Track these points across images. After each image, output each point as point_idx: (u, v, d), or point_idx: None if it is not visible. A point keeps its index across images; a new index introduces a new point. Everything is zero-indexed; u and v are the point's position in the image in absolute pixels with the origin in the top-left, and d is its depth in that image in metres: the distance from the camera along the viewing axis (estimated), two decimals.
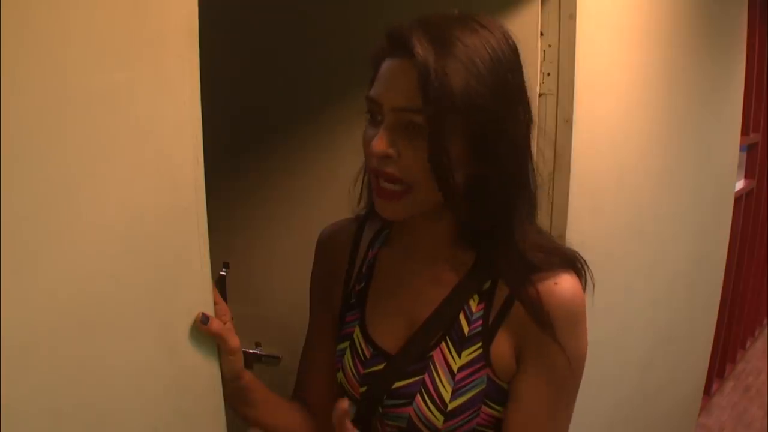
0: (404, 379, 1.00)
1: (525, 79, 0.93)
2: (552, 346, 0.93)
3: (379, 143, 0.88)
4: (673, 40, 2.02)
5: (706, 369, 3.08)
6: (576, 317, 0.96)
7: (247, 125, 1.77)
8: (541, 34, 1.40)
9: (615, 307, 1.87)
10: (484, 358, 0.96)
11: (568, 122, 1.40)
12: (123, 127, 0.72)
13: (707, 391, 3.61)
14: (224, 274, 1.85)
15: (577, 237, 1.48)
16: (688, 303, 2.56)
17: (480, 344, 0.96)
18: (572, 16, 1.38)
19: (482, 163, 0.90)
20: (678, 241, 2.32)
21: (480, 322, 0.97)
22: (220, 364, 0.91)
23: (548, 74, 1.40)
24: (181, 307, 0.83)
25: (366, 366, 1.04)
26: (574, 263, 0.98)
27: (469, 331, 0.97)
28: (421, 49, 0.83)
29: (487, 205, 0.93)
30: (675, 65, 2.06)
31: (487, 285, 0.98)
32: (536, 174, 0.99)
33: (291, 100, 1.69)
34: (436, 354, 0.98)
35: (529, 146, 0.96)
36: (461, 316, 0.98)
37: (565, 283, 0.94)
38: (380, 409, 1.01)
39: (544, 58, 1.40)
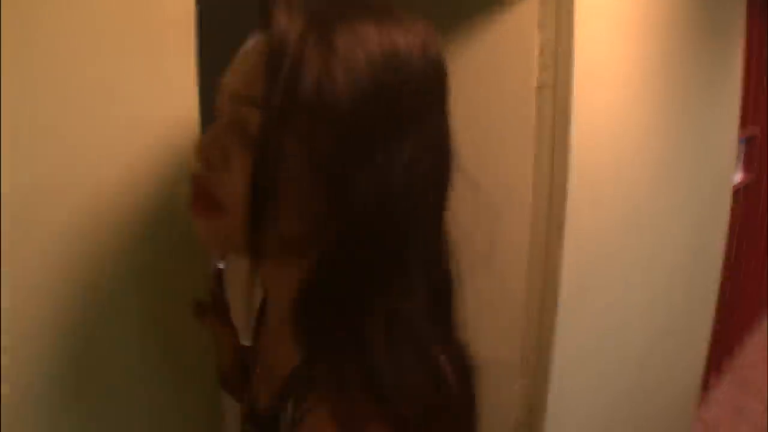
0: None
1: (446, 113, 0.65)
2: None
3: (200, 144, 0.65)
4: (672, 32, 2.02)
5: (704, 363, 3.08)
6: None
7: None
8: (539, 26, 1.39)
9: (613, 301, 1.87)
10: None
11: (566, 115, 1.40)
12: (119, 120, 0.72)
13: (705, 385, 3.61)
14: (222, 266, 1.84)
15: (576, 231, 1.48)
16: (686, 296, 2.56)
17: None
18: (570, 8, 1.37)
19: (326, 212, 0.61)
20: (676, 235, 2.32)
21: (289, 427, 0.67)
22: (217, 355, 0.91)
23: (546, 67, 1.40)
24: (178, 299, 0.83)
25: (243, 420, 0.84)
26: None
27: None
28: (286, 19, 0.58)
29: (328, 285, 0.63)
30: (673, 57, 2.05)
31: (304, 386, 0.65)
32: (453, 265, 0.68)
33: None
34: None
35: (423, 213, 0.64)
36: (281, 415, 0.68)
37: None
38: None
39: (541, 51, 1.40)
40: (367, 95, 0.58)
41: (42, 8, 0.63)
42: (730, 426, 3.59)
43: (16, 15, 0.61)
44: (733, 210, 3.06)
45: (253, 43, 0.64)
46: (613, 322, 1.88)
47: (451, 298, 0.68)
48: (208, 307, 0.85)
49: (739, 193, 3.62)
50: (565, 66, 1.38)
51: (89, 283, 0.71)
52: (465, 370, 0.68)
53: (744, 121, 3.21)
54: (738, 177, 3.67)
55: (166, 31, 0.75)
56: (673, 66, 2.06)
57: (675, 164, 2.20)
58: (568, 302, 1.52)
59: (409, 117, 0.61)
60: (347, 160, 0.59)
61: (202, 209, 0.66)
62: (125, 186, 0.74)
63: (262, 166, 0.58)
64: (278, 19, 0.58)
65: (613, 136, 1.72)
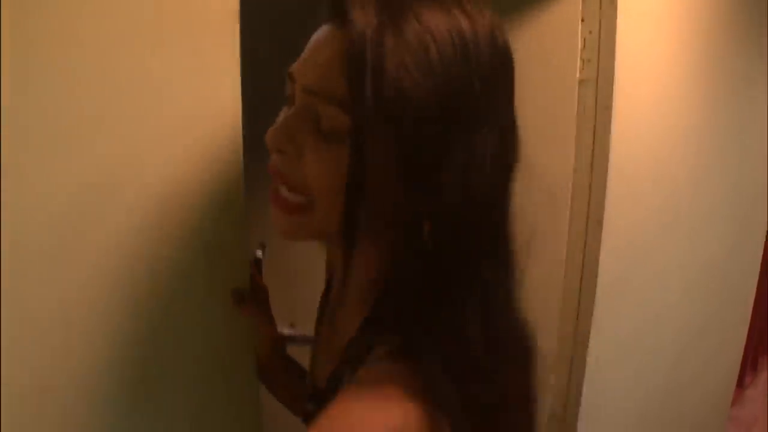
0: None
1: (513, 99, 0.67)
2: None
3: (273, 134, 0.66)
4: (715, 28, 1.99)
5: (740, 361, 3.05)
6: None
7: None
8: (582, 20, 1.39)
9: (649, 297, 1.86)
10: None
11: (608, 109, 1.39)
12: (164, 114, 0.73)
13: (740, 383, 3.57)
14: (261, 255, 1.87)
15: (614, 225, 1.48)
16: (723, 294, 2.53)
17: None
18: (613, 2, 1.37)
19: (412, 200, 0.63)
20: (714, 233, 2.30)
21: None
22: (255, 344, 0.92)
23: (588, 61, 1.39)
24: (219, 287, 0.84)
25: (307, 399, 0.86)
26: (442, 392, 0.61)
27: None
28: (360, 14, 0.59)
29: (412, 263, 0.66)
30: (716, 53, 2.03)
31: (362, 354, 0.68)
32: (511, 243, 0.69)
33: None
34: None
35: (498, 195, 0.67)
36: (340, 385, 0.71)
37: (343, 417, 0.58)
38: None
39: (584, 45, 1.40)
40: (440, 85, 0.59)
41: (89, 8, 0.64)
42: (765, 425, 3.55)
43: (66, 16, 0.62)
44: None
45: (324, 35, 0.64)
46: (649, 318, 1.87)
47: (516, 276, 0.70)
48: (246, 297, 0.86)
49: None
50: (607, 60, 1.38)
51: (140, 279, 0.73)
52: (529, 350, 0.72)
53: None
54: None
55: (211, 29, 0.76)
56: (715, 62, 2.03)
57: (714, 162, 2.18)
58: (605, 297, 1.52)
59: (482, 103, 0.62)
60: (429, 146, 0.61)
61: (284, 207, 0.67)
62: (171, 183, 0.75)
63: (357, 165, 0.60)
64: (353, 16, 0.59)
65: (653, 132, 1.71)
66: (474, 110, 0.62)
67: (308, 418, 0.81)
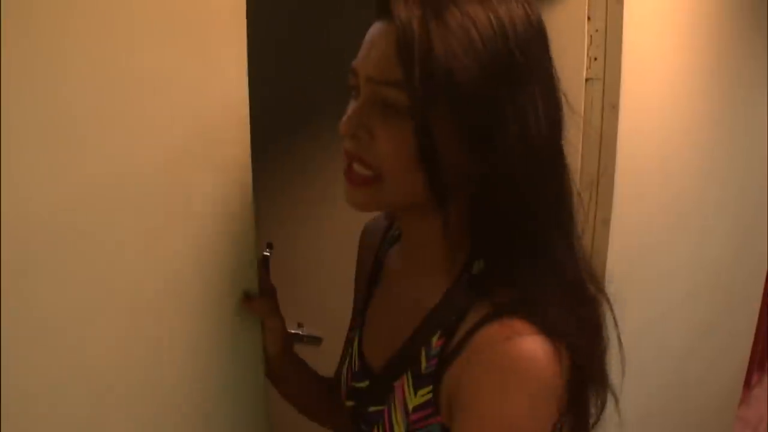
0: (376, 404, 0.87)
1: (553, 63, 0.76)
2: (475, 402, 0.74)
3: (346, 122, 0.75)
4: (722, 26, 1.99)
5: (747, 361, 3.04)
6: (508, 382, 0.71)
7: (296, 106, 1.78)
8: (588, 18, 1.39)
9: (655, 295, 1.86)
10: (434, 404, 0.79)
11: (615, 108, 1.39)
12: (171, 111, 0.73)
13: (747, 383, 3.56)
14: (268, 254, 1.88)
15: (621, 223, 1.48)
16: (730, 294, 2.53)
17: (431, 387, 0.80)
18: (619, 1, 1.37)
19: (481, 163, 0.73)
20: (721, 231, 2.29)
21: (435, 360, 0.80)
22: (263, 343, 0.92)
23: (595, 59, 1.39)
24: (227, 286, 0.85)
25: (354, 379, 0.93)
26: (574, 337, 0.75)
27: (425, 369, 0.81)
28: (404, 9, 0.68)
29: (492, 219, 0.76)
30: (723, 51, 2.02)
31: (453, 318, 0.79)
32: (573, 186, 0.79)
33: (341, 84, 1.70)
34: (397, 386, 0.84)
35: (555, 147, 0.76)
36: (423, 350, 0.81)
37: (520, 343, 0.70)
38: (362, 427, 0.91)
39: (591, 43, 1.40)
40: (484, 61, 0.68)
41: (95, 5, 0.64)
42: None
43: (71, 13, 0.62)
44: None
45: (377, 31, 0.74)
46: (655, 317, 1.87)
47: (571, 234, 0.81)
48: (255, 296, 0.87)
49: None
50: (614, 58, 1.38)
51: (141, 265, 0.73)
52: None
53: None
54: None
55: (218, 25, 0.76)
56: (723, 60, 2.03)
57: (722, 160, 2.17)
58: (612, 297, 1.51)
59: (531, 71, 0.72)
60: (483, 114, 0.70)
61: (357, 181, 0.76)
62: (178, 181, 0.75)
63: (423, 137, 0.70)
64: (398, 11, 0.68)
65: (660, 130, 1.71)
66: (518, 77, 0.71)
67: (357, 395, 0.91)
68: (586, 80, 1.40)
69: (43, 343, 0.64)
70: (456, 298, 0.80)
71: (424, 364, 0.81)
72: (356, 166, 0.76)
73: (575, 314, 0.76)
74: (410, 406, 0.82)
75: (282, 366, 0.98)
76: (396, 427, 0.83)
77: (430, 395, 0.80)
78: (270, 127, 1.68)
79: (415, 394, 0.81)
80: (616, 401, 0.85)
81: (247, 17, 0.79)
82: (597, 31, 1.39)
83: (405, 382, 0.83)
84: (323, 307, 1.83)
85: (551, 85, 0.76)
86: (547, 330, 0.72)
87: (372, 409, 0.87)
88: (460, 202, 0.77)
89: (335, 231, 1.75)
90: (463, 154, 0.72)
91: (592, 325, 0.81)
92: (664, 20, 1.65)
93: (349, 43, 1.69)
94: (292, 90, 1.77)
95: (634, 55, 1.42)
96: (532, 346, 0.70)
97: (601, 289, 0.84)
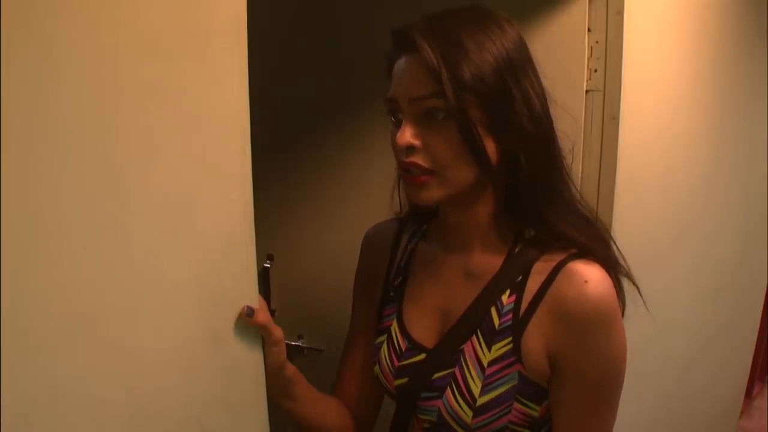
0: (441, 370, 1.00)
1: (532, 57, 0.98)
2: (587, 349, 0.92)
3: (403, 135, 0.91)
4: (722, 36, 1.99)
5: (748, 371, 3.03)
6: (608, 318, 0.93)
7: (295, 119, 1.78)
8: (589, 30, 1.39)
9: (657, 306, 1.85)
10: (515, 353, 0.95)
11: (615, 119, 1.39)
12: (171, 120, 0.73)
13: (749, 394, 3.55)
14: (268, 266, 1.87)
15: (622, 234, 1.48)
16: (732, 304, 2.52)
17: (510, 339, 0.95)
18: (620, 12, 1.37)
19: (506, 135, 0.93)
20: (723, 241, 2.29)
21: (510, 315, 0.96)
22: (264, 356, 0.92)
23: (595, 71, 1.39)
24: (227, 298, 0.85)
25: (401, 358, 1.06)
26: (605, 254, 0.98)
27: (499, 325, 0.97)
28: (421, 38, 0.89)
29: (522, 179, 0.95)
30: (724, 62, 2.03)
31: (519, 278, 0.98)
32: (560, 144, 1.00)
33: (341, 94, 1.70)
34: (466, 347, 0.98)
35: (549, 117, 0.98)
36: (492, 309, 0.97)
37: (595, 283, 0.92)
38: (417, 403, 1.02)
39: (591, 55, 1.39)
40: (496, 64, 0.90)
41: (96, 13, 0.64)
42: None
43: (73, 21, 0.62)
44: None
45: (405, 63, 0.93)
46: (658, 327, 1.86)
47: (570, 180, 1.03)
48: (256, 308, 0.87)
49: None
50: (614, 70, 1.38)
51: (138, 275, 0.72)
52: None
53: None
54: None
55: (218, 35, 0.76)
56: (723, 70, 2.03)
57: (724, 170, 2.17)
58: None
59: (521, 64, 0.94)
60: (502, 102, 0.91)
61: (421, 182, 0.93)
62: (178, 190, 0.75)
63: (464, 123, 0.89)
64: (420, 44, 0.89)
65: (661, 141, 1.71)
66: (518, 70, 0.93)
67: (413, 370, 1.03)
68: (587, 92, 1.40)
69: (32, 347, 0.64)
70: (519, 259, 0.98)
71: (497, 320, 0.97)
72: (413, 170, 0.93)
73: (597, 237, 1.00)
74: (485, 362, 0.96)
75: (283, 379, 0.99)
76: (471, 383, 0.96)
77: (509, 346, 0.95)
78: (271, 139, 1.69)
79: (489, 350, 0.96)
80: (639, 290, 1.08)
81: (248, 26, 0.79)
82: (597, 42, 1.39)
83: (476, 342, 0.98)
84: (323, 318, 1.82)
85: (535, 70, 0.97)
86: (605, 264, 0.95)
87: (437, 375, 1.00)
88: (500, 181, 0.97)
89: (335, 243, 1.75)
90: (492, 135, 0.92)
91: (605, 239, 1.03)
92: (665, 32, 1.65)
93: (353, 56, 1.69)
94: (293, 104, 1.77)
95: (634, 67, 1.42)
96: (604, 281, 0.93)
97: (594, 215, 1.06)
